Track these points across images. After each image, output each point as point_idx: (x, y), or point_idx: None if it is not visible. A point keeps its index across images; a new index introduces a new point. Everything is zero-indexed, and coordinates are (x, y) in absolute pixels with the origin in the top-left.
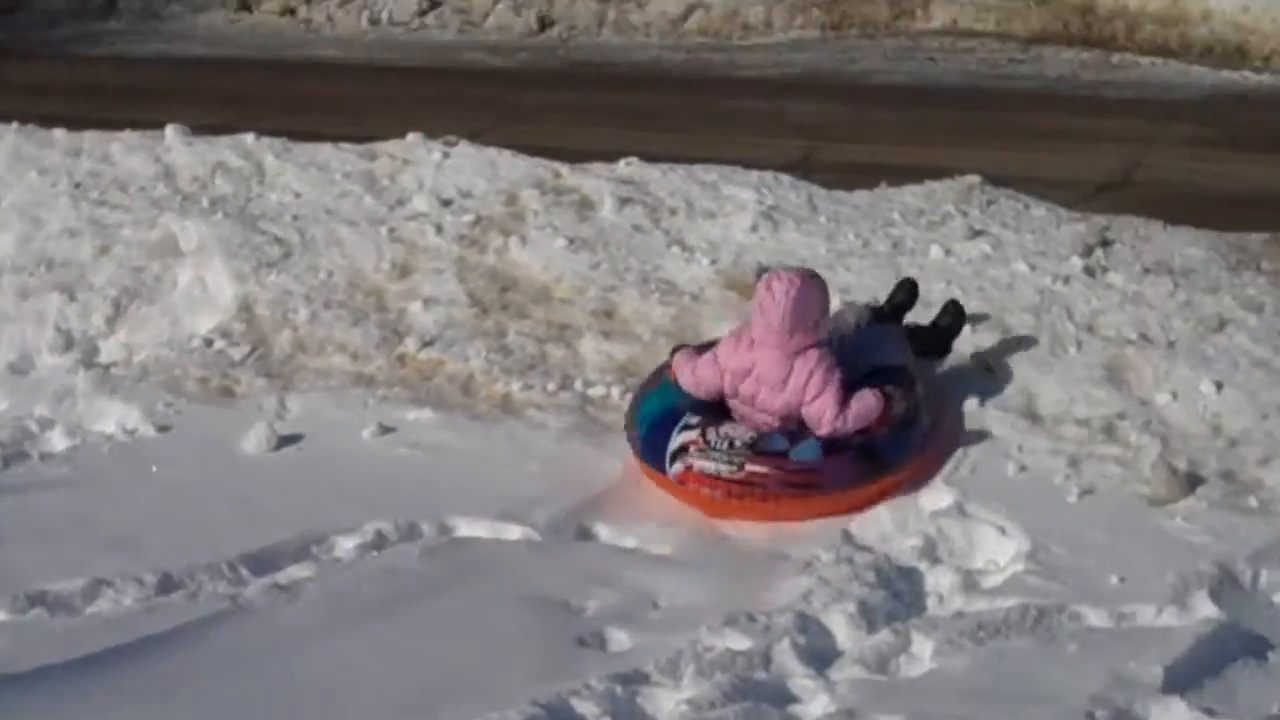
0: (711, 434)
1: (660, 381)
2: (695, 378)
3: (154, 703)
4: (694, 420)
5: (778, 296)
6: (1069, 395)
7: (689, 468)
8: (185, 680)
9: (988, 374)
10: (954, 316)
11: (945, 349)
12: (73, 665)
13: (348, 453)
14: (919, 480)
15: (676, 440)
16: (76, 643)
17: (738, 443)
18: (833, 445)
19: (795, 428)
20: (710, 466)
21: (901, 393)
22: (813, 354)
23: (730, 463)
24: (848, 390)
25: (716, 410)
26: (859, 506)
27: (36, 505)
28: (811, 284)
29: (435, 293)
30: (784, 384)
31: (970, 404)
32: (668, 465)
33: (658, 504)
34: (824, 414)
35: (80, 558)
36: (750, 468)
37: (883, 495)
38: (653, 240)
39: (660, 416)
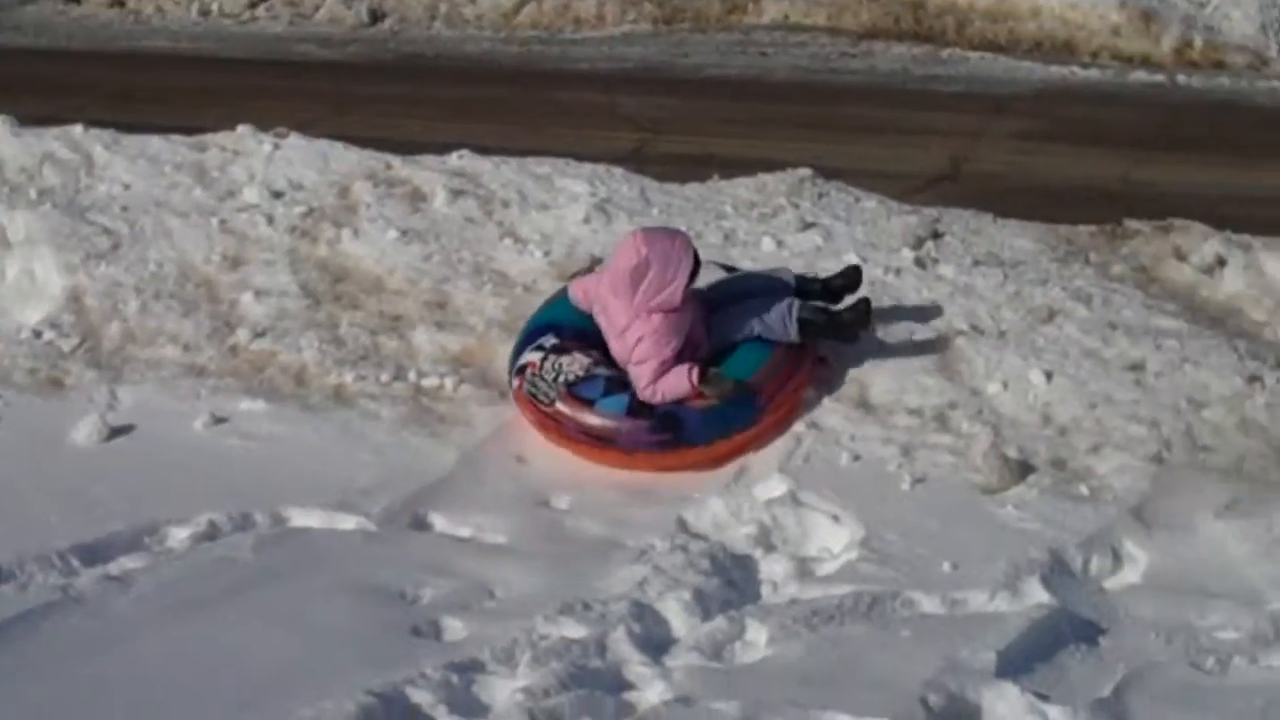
0: (550, 361)
1: (559, 297)
2: (580, 289)
3: None
4: (548, 343)
5: (627, 254)
6: (901, 385)
7: (519, 387)
8: (15, 671)
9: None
10: (859, 312)
11: (848, 336)
12: None
13: (180, 443)
14: (742, 458)
15: (523, 357)
16: None
17: (560, 378)
18: (640, 407)
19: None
20: (530, 391)
21: (721, 378)
22: (655, 319)
23: (546, 395)
24: (674, 361)
25: (588, 338)
26: (655, 469)
27: None
28: (665, 257)
29: (267, 284)
30: (622, 334)
31: (806, 393)
32: (511, 378)
33: (492, 494)
34: (639, 380)
35: None
36: (558, 405)
37: (688, 466)
38: (485, 232)
39: (532, 331)
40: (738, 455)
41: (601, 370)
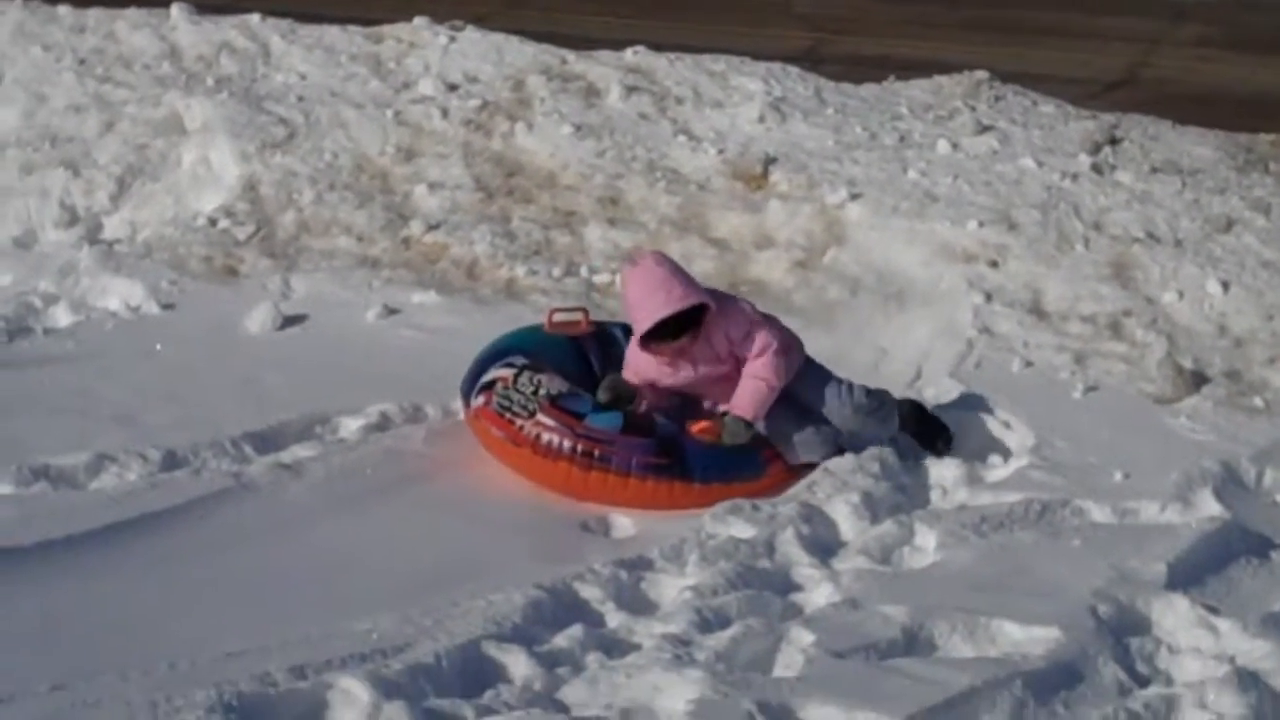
0: (526, 375)
1: (523, 330)
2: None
3: (156, 578)
4: (518, 361)
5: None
6: (1075, 292)
7: (486, 403)
8: (188, 556)
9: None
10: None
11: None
12: (75, 539)
13: (352, 334)
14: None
15: (490, 374)
16: (79, 517)
17: (542, 391)
18: (636, 426)
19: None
20: (502, 405)
21: (740, 425)
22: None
23: (524, 408)
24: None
25: (561, 367)
26: (631, 501)
27: (40, 380)
28: (640, 294)
29: (441, 177)
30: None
31: (976, 300)
32: (471, 397)
33: None
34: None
35: (84, 433)
36: (540, 418)
37: (675, 504)
38: (659, 129)
39: (491, 354)
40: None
41: (584, 393)
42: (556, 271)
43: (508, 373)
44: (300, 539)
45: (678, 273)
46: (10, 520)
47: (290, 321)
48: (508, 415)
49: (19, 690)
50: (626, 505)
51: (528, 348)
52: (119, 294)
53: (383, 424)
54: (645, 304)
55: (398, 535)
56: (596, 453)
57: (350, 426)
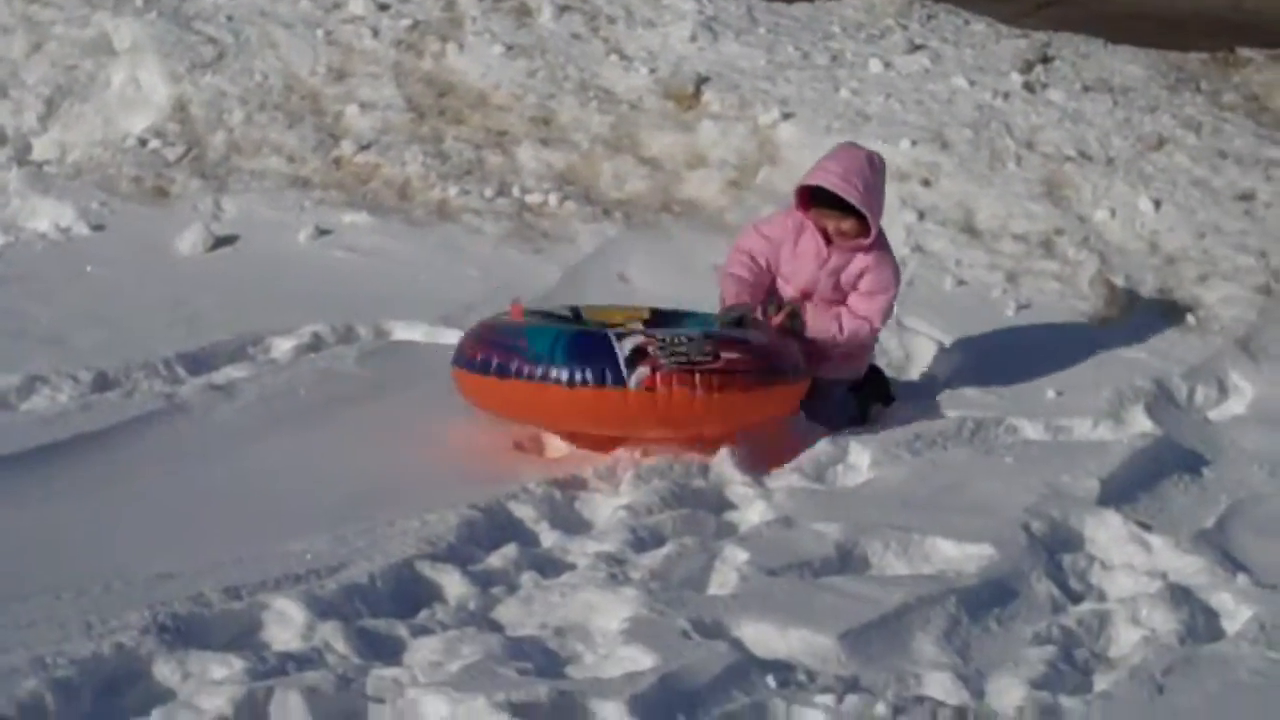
0: (660, 334)
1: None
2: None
3: (88, 499)
4: (632, 327)
5: None
6: (1007, 210)
7: (656, 369)
8: (121, 478)
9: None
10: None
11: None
12: (7, 460)
13: (284, 255)
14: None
15: (625, 346)
16: (11, 439)
17: (690, 338)
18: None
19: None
20: (680, 361)
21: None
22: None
23: (704, 353)
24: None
25: None
26: (796, 407)
27: None
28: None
29: (372, 97)
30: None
31: (908, 218)
32: (625, 374)
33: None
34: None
35: (14, 355)
36: (725, 355)
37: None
38: (591, 48)
39: (578, 336)
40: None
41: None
42: (489, 192)
43: (641, 338)
44: (233, 460)
45: (878, 183)
46: None
47: (221, 242)
48: (693, 365)
49: None
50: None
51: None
52: (48, 215)
53: (315, 344)
54: (831, 168)
55: (331, 456)
56: (775, 366)
57: (282, 347)
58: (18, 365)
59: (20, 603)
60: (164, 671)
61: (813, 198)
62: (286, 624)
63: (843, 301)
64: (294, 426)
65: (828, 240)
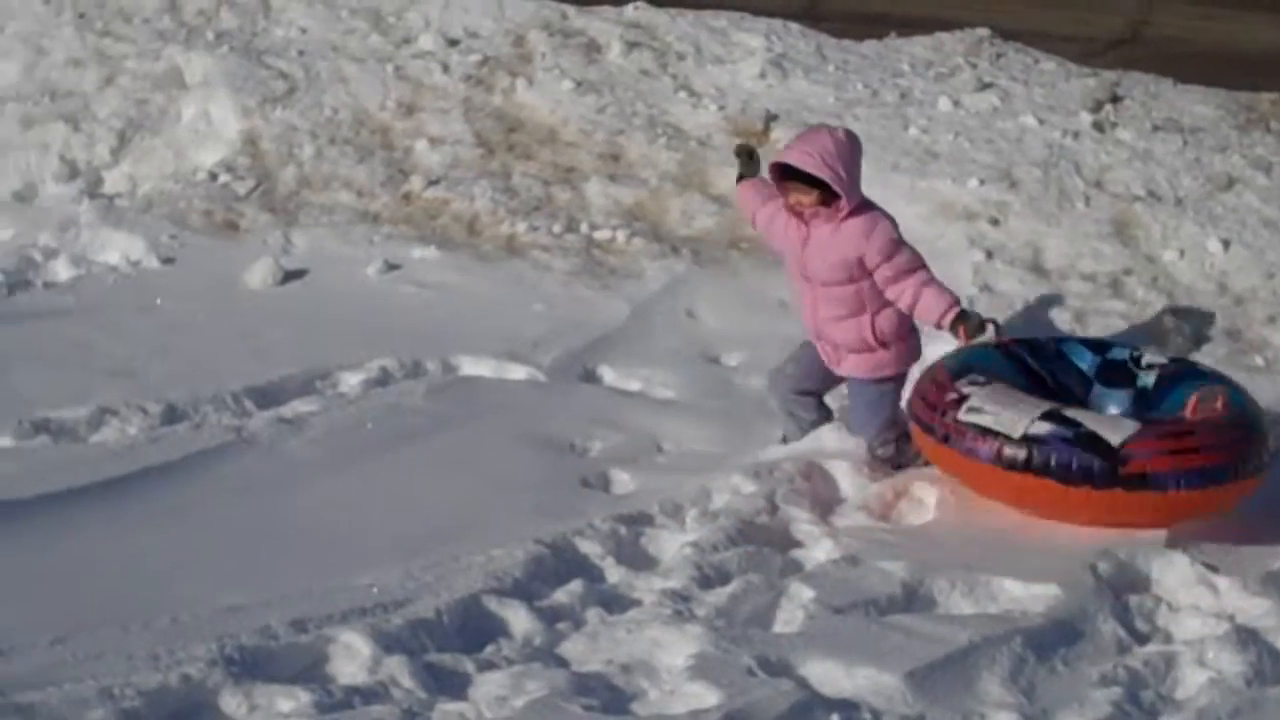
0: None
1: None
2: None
3: (156, 532)
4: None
5: None
6: (1076, 250)
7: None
8: (188, 509)
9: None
10: None
11: None
12: (75, 492)
13: (353, 289)
14: None
15: (1093, 422)
16: (80, 470)
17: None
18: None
19: None
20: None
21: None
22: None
23: (1175, 431)
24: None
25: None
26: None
27: (40, 333)
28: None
29: (441, 132)
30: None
31: (976, 257)
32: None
33: (663, 348)
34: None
35: (85, 386)
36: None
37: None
38: (660, 85)
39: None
40: None
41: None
42: (557, 228)
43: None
44: (301, 493)
45: (842, 155)
46: (11, 474)
47: (291, 276)
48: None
49: (21, 643)
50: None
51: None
52: (119, 248)
53: (383, 379)
54: (793, 145)
55: (398, 490)
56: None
57: (350, 381)
58: (88, 397)
59: (88, 634)
60: (230, 704)
61: (783, 177)
62: (353, 657)
63: (850, 284)
64: (361, 461)
65: (804, 221)
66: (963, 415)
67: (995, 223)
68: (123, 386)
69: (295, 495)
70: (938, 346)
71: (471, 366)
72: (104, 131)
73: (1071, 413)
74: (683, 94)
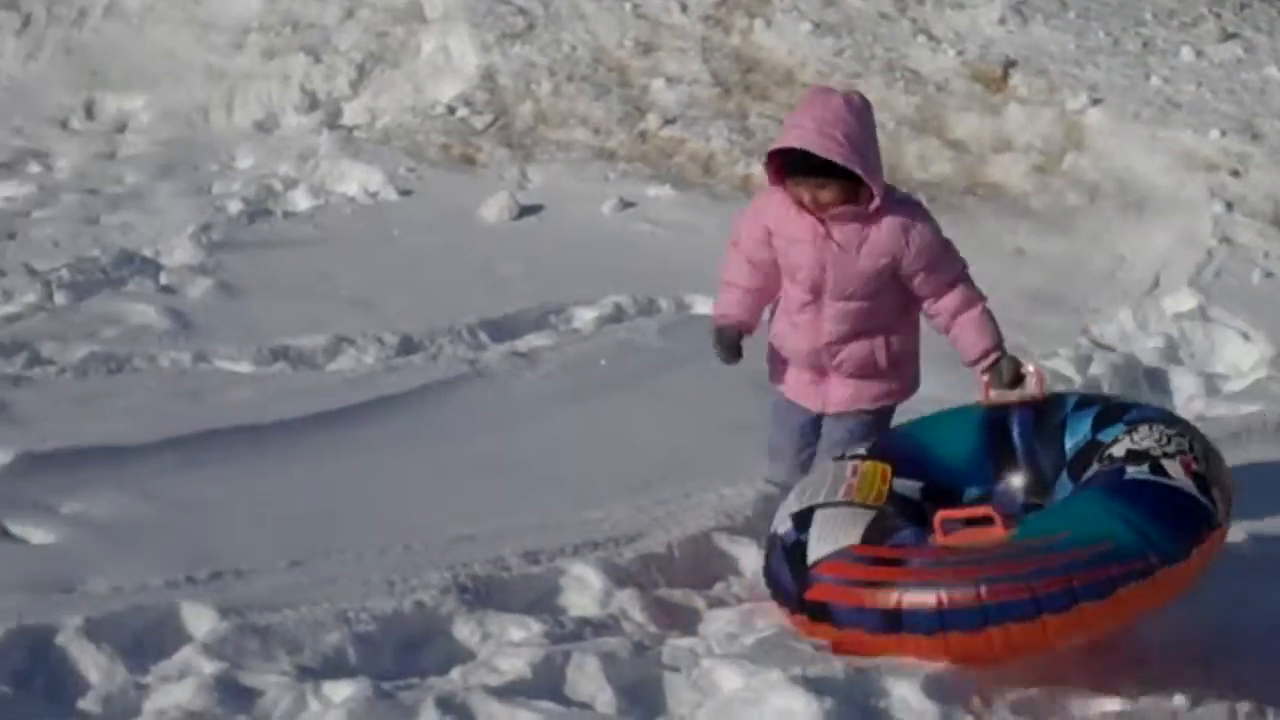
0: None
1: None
2: None
3: (390, 461)
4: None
5: None
6: None
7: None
8: (423, 440)
9: None
10: None
11: None
12: (312, 419)
13: (587, 226)
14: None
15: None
16: (317, 398)
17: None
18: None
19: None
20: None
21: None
22: None
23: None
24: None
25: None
26: None
27: (279, 262)
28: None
29: (679, 71)
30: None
31: (1216, 209)
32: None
33: None
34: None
35: (322, 315)
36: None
37: None
38: (899, 28)
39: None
40: None
41: None
42: None
43: None
44: (534, 427)
45: (865, 131)
46: (249, 399)
47: (526, 211)
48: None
49: (259, 565)
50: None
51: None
52: (357, 179)
53: (617, 316)
54: (803, 122)
55: (630, 426)
56: None
57: (584, 317)
58: (325, 326)
59: (323, 559)
60: (463, 631)
61: (786, 165)
62: (584, 590)
63: (873, 298)
64: (594, 396)
65: (821, 221)
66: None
67: (1236, 174)
68: (360, 316)
69: (527, 428)
70: None
71: (704, 306)
72: (344, 64)
73: (831, 513)
74: (921, 38)
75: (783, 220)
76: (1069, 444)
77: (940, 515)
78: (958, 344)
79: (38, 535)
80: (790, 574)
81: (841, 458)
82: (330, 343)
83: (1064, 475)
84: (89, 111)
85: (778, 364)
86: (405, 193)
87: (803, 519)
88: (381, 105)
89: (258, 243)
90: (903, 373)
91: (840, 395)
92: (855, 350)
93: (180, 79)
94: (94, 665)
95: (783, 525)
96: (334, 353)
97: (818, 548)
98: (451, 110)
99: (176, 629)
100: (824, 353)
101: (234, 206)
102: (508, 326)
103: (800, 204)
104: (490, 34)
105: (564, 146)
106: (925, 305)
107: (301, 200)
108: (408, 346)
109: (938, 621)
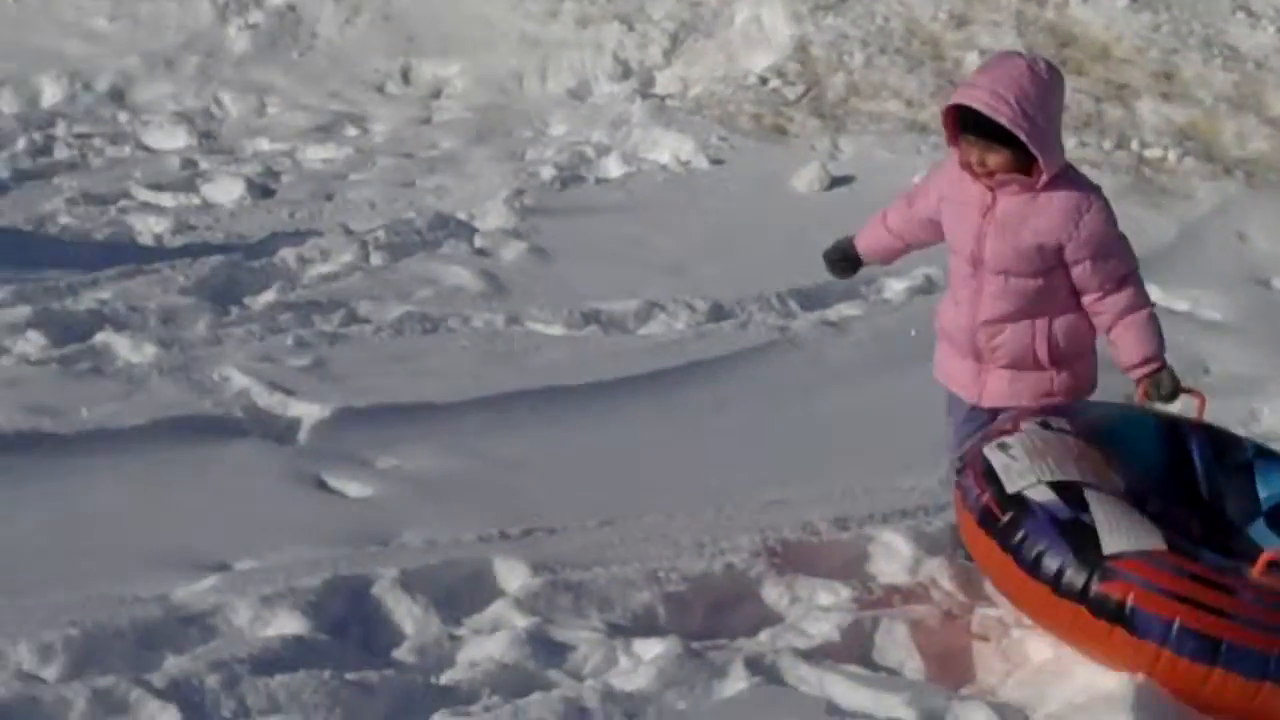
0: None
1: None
2: None
3: (700, 424)
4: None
5: None
6: None
7: None
8: (732, 405)
9: None
10: None
11: None
12: (623, 382)
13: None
14: None
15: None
16: (628, 361)
17: None
18: None
19: None
20: None
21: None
22: None
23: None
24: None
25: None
26: None
27: (591, 228)
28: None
29: (992, 45)
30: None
31: None
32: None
33: (1212, 269)
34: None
35: (634, 280)
36: None
37: None
38: (1217, 4)
39: None
40: None
41: None
42: (1107, 144)
43: None
44: (844, 395)
45: (1045, 99)
46: (562, 361)
47: (838, 182)
48: None
49: (571, 524)
50: None
51: None
52: (669, 147)
53: (927, 287)
54: (979, 81)
55: (936, 396)
56: None
57: (895, 288)
58: (637, 291)
59: (634, 519)
60: (772, 594)
61: (961, 123)
62: (893, 557)
63: (1036, 276)
64: (903, 366)
65: (989, 187)
66: (987, 448)
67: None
68: (671, 282)
69: (838, 396)
70: None
71: None
72: (657, 33)
73: (1104, 498)
74: (1240, 14)
75: (954, 184)
76: (1264, 493)
77: (1267, 556)
78: (1117, 346)
79: (354, 488)
80: (1073, 555)
81: (1045, 424)
82: (641, 308)
83: (1260, 523)
84: (405, 77)
85: (943, 354)
86: (717, 162)
87: (1073, 497)
88: (694, 74)
89: (570, 208)
90: (1070, 370)
91: (996, 388)
92: (1014, 335)
93: (494, 46)
94: (409, 616)
95: (1038, 493)
96: (645, 318)
97: (1114, 539)
98: (764, 81)
99: (489, 583)
100: (981, 333)
101: (547, 172)
102: (818, 296)
103: (969, 168)
104: (803, 5)
105: (876, 118)
106: (1087, 300)
107: (613, 167)
108: (718, 313)
109: (1261, 668)
